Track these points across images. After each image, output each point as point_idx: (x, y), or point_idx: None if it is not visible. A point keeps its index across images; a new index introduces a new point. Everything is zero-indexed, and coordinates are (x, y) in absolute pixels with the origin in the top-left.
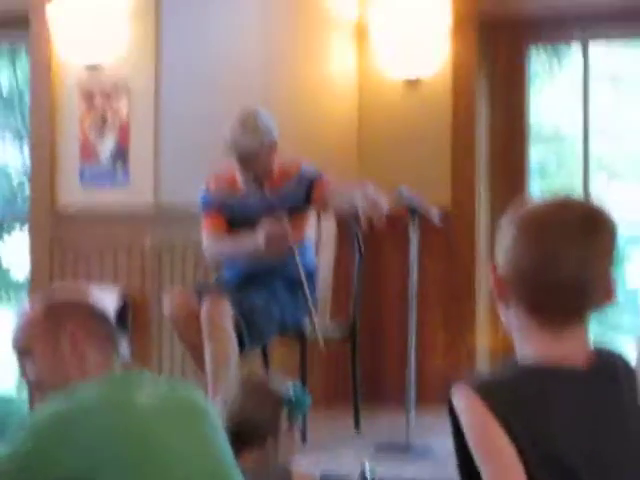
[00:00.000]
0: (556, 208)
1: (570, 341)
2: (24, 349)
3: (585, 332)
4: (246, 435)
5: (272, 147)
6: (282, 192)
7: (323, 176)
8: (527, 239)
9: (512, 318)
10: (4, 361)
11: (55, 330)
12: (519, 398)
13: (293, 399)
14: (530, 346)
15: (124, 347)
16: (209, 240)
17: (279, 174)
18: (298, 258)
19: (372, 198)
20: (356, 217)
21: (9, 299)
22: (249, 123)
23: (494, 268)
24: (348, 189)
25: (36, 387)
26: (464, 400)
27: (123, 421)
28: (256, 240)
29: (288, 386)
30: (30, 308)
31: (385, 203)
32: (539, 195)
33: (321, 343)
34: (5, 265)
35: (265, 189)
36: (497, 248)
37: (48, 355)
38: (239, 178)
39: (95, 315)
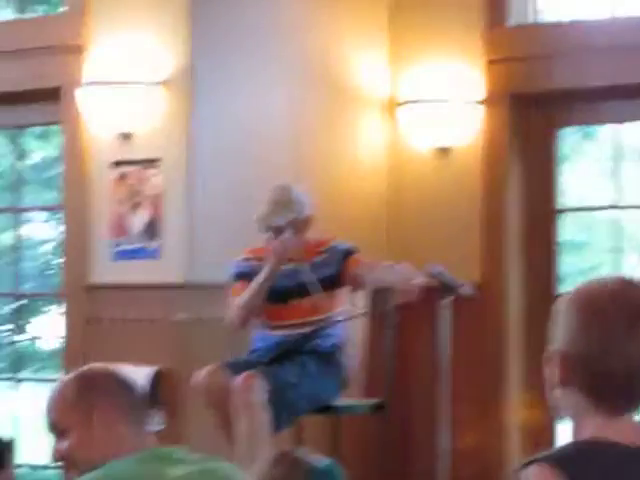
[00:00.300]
0: (618, 292)
1: (627, 423)
2: (59, 429)
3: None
4: None
5: (307, 222)
6: (314, 265)
7: (356, 251)
8: (589, 323)
9: (568, 401)
10: (37, 436)
11: (88, 409)
12: (594, 471)
13: (327, 472)
14: (587, 429)
15: (157, 423)
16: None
17: (311, 247)
18: (329, 331)
19: (406, 273)
20: (390, 292)
21: (42, 371)
22: (283, 197)
23: (555, 353)
24: (381, 266)
25: (71, 465)
26: (540, 475)
27: None
28: (265, 267)
29: (321, 460)
30: (62, 387)
31: (420, 278)
32: (593, 275)
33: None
34: (36, 339)
35: (296, 262)
36: (556, 331)
37: (82, 434)
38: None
39: (126, 391)
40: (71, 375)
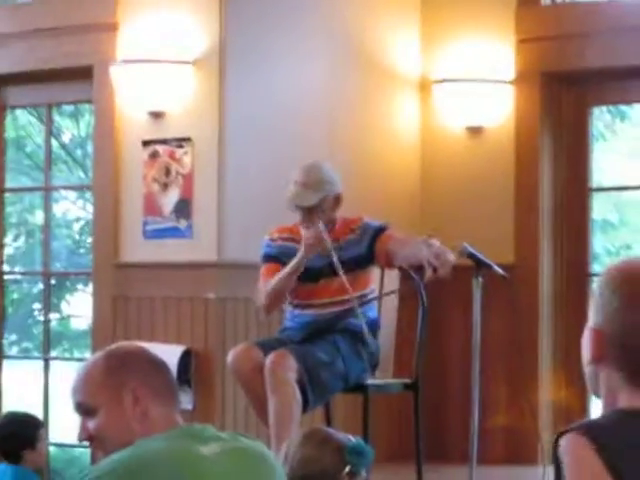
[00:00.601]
0: None
1: None
2: (86, 408)
3: None
4: None
5: (336, 200)
6: (345, 244)
7: (388, 228)
8: (625, 302)
9: (602, 378)
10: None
11: (117, 387)
12: (629, 443)
13: (356, 450)
14: (619, 403)
15: (188, 402)
16: (261, 287)
17: (342, 226)
18: (334, 253)
19: (437, 249)
20: (421, 268)
21: (71, 351)
22: (312, 177)
23: (593, 330)
24: (413, 242)
25: (98, 445)
26: (570, 445)
27: (189, 471)
28: (297, 256)
29: (351, 438)
30: (90, 366)
31: (451, 255)
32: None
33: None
34: (68, 317)
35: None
36: (592, 309)
37: (111, 413)
38: (302, 230)
39: (156, 370)
40: (100, 353)
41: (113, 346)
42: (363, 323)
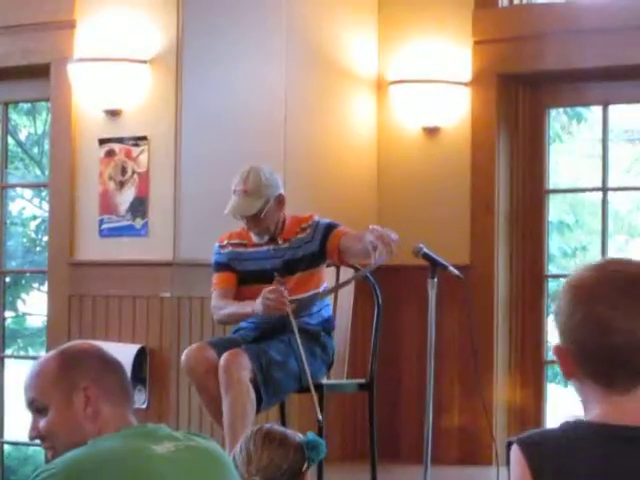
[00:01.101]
0: (601, 273)
1: (634, 402)
2: (37, 406)
3: None
4: None
5: (279, 202)
6: (296, 242)
7: (339, 225)
8: (579, 310)
9: (579, 391)
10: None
11: (69, 386)
12: (551, 451)
13: (314, 445)
14: (593, 413)
15: (141, 401)
16: (215, 300)
17: (292, 224)
18: (294, 322)
19: (380, 231)
20: (368, 254)
21: (26, 349)
22: (250, 184)
23: (557, 347)
24: (362, 234)
25: (49, 443)
26: (512, 453)
27: (142, 470)
28: (254, 306)
29: (297, 434)
30: (43, 363)
31: (394, 235)
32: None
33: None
34: (23, 315)
35: (278, 240)
36: (556, 325)
37: (62, 411)
38: (252, 236)
39: (110, 369)
40: (54, 351)
41: (67, 344)
42: (318, 322)
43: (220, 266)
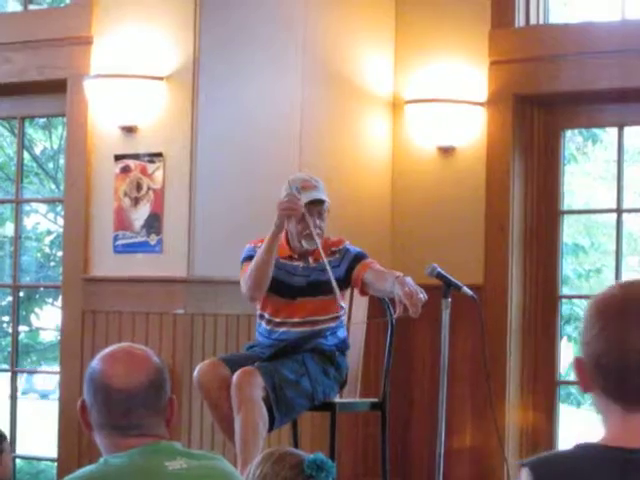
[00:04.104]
0: (624, 291)
1: None
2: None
3: None
4: None
5: (327, 211)
6: (324, 264)
7: (367, 257)
8: (599, 326)
9: (596, 405)
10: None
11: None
12: (562, 473)
13: (315, 463)
14: (607, 430)
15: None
16: (243, 276)
17: (323, 247)
18: (326, 261)
19: (410, 288)
20: (392, 302)
21: (39, 364)
22: (315, 182)
23: (575, 359)
24: (388, 276)
25: None
26: (522, 475)
27: None
28: (272, 228)
29: (312, 454)
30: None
31: (423, 295)
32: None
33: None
34: (37, 330)
35: (310, 259)
36: (578, 333)
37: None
38: (286, 241)
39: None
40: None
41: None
42: (333, 343)
43: (252, 258)
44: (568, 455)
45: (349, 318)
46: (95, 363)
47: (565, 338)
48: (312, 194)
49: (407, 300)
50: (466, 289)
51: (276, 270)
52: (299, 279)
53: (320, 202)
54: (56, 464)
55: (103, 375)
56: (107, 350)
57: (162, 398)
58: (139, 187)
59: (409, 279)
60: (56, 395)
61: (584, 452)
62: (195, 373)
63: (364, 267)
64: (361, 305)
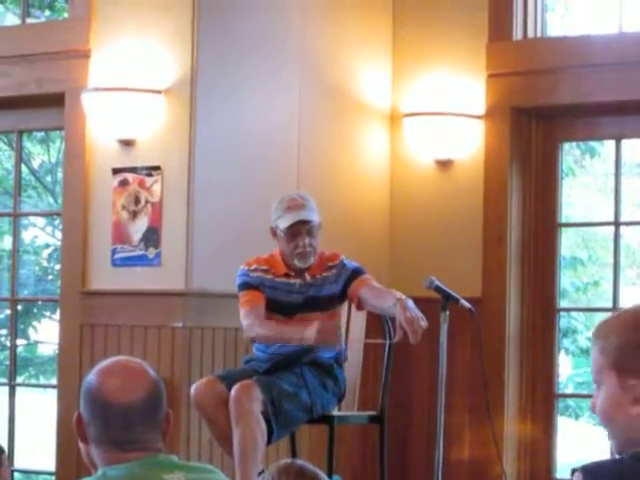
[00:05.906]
0: None
1: None
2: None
3: None
4: None
5: (319, 228)
6: (320, 280)
7: (364, 272)
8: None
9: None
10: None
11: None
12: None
13: None
14: None
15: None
16: (249, 319)
17: (319, 262)
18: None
19: (411, 315)
20: (392, 320)
21: (37, 377)
22: (305, 201)
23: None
24: (386, 295)
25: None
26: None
27: None
28: (305, 332)
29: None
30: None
31: (424, 322)
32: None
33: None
34: (35, 343)
35: (306, 275)
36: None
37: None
38: (282, 258)
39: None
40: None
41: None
42: (331, 356)
43: (249, 285)
44: (619, 462)
45: (347, 333)
46: (92, 377)
47: (563, 351)
48: (299, 214)
49: (408, 327)
50: (464, 302)
51: (273, 291)
52: (296, 296)
53: (307, 221)
54: (54, 478)
55: (100, 390)
56: (103, 364)
57: (160, 412)
58: (137, 200)
59: (410, 303)
60: (54, 408)
61: (633, 462)
62: (192, 391)
63: (361, 283)
64: (359, 321)
